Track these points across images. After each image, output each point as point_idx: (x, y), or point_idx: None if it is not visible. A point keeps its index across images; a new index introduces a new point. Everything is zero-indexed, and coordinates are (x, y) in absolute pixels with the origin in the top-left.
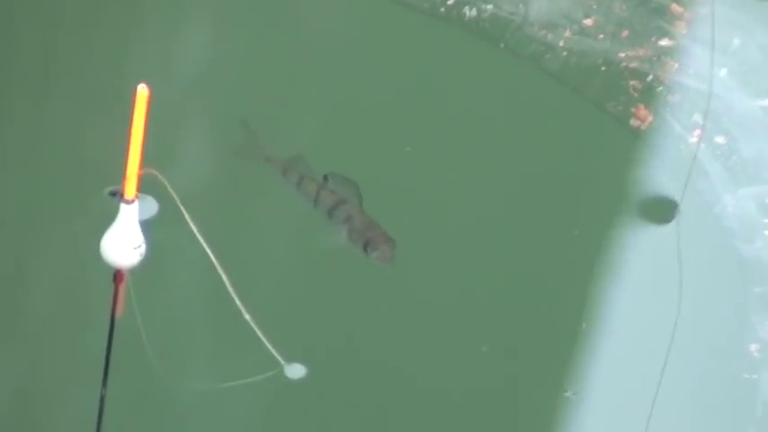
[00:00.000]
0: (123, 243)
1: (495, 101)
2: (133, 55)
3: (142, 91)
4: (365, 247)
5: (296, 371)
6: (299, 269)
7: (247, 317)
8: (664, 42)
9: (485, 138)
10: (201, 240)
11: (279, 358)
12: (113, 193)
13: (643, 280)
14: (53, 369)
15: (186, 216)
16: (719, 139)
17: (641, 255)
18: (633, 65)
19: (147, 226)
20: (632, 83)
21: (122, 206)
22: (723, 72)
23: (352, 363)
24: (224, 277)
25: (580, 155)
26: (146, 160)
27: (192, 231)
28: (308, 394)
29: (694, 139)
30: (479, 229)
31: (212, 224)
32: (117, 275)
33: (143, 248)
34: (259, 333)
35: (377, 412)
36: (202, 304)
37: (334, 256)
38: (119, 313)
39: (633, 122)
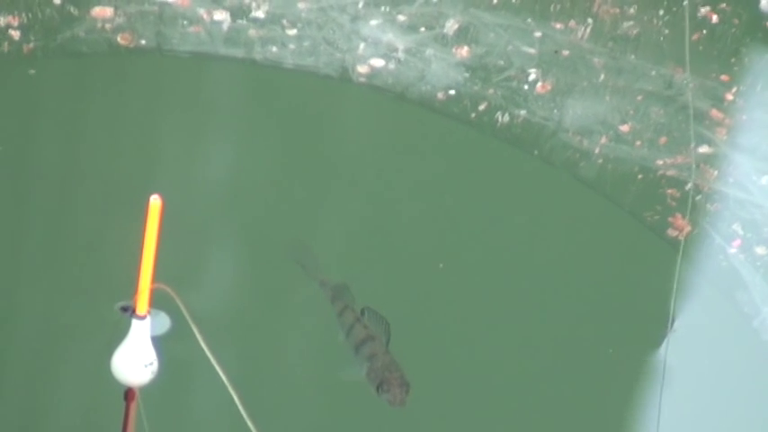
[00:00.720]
0: (135, 360)
1: (528, 210)
2: (155, 170)
3: (155, 202)
4: (378, 387)
5: None
6: (316, 397)
7: None
8: (703, 149)
9: (517, 249)
10: (212, 359)
11: None
12: (125, 309)
13: (682, 398)
14: None
15: (197, 333)
16: (760, 250)
17: (679, 369)
18: (671, 173)
19: (158, 343)
20: (670, 191)
21: (134, 322)
22: (764, 180)
23: None
24: (236, 398)
25: (616, 266)
26: (166, 276)
27: (204, 350)
28: None
29: (734, 250)
30: (509, 345)
31: (230, 344)
32: (128, 394)
33: (155, 366)
34: None
35: None
36: (214, 426)
37: (353, 389)
38: None
39: (670, 232)
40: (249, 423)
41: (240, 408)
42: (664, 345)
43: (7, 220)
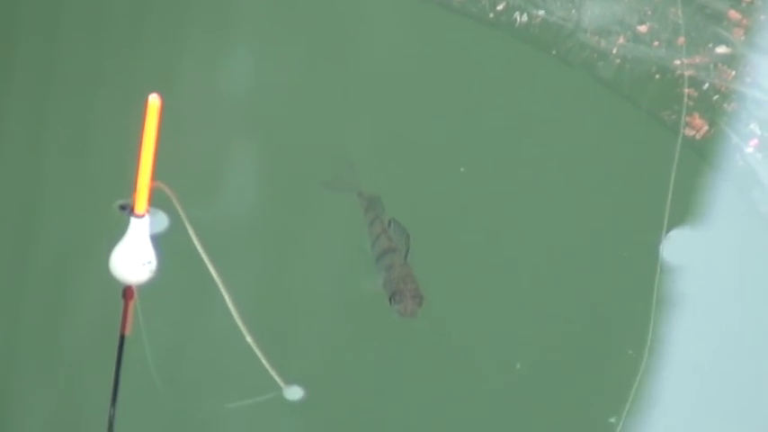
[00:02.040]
0: (133, 258)
1: (545, 110)
2: (175, 70)
3: (153, 101)
4: (391, 298)
5: (294, 393)
6: (324, 306)
7: (249, 339)
8: (721, 50)
9: (536, 149)
10: (204, 257)
11: (278, 380)
12: (123, 207)
13: (698, 300)
14: (61, 387)
15: (191, 232)
16: None
17: (696, 269)
18: (689, 73)
19: (156, 241)
20: (687, 91)
21: (132, 220)
22: None
23: (357, 388)
24: (226, 297)
25: (633, 165)
26: (182, 178)
27: (198, 250)
28: (308, 417)
29: (751, 149)
30: (524, 244)
31: (241, 250)
32: (126, 292)
33: (153, 264)
34: (260, 355)
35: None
36: (208, 323)
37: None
38: (128, 331)
39: (688, 132)
40: (239, 323)
41: (232, 309)
42: (662, 246)
43: (19, 118)
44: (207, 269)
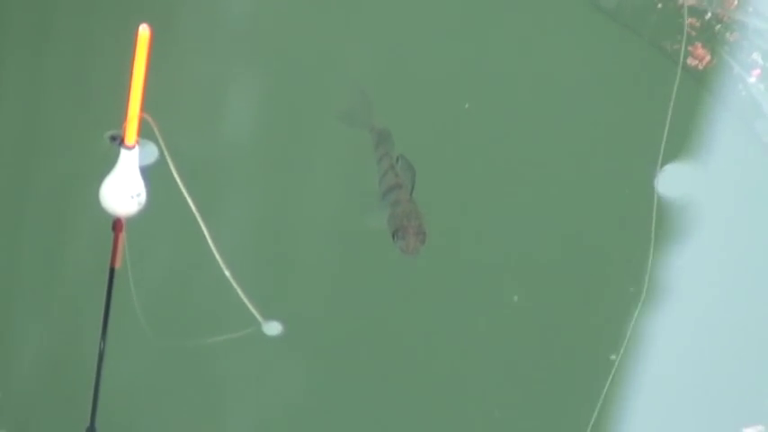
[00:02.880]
0: (123, 191)
1: (547, 40)
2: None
3: (144, 32)
4: (394, 234)
5: (273, 328)
6: (321, 238)
7: (228, 274)
8: None
9: (538, 80)
10: (184, 190)
11: (257, 316)
12: (114, 138)
13: (700, 236)
14: (54, 318)
15: (171, 166)
16: None
17: (698, 201)
18: (690, 2)
19: (145, 173)
20: (689, 21)
21: (122, 151)
22: None
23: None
24: (206, 233)
25: (635, 95)
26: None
27: (178, 185)
28: (289, 351)
29: (753, 80)
30: (523, 178)
31: (243, 183)
32: (116, 224)
33: (143, 197)
34: (239, 291)
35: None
36: (195, 258)
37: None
38: (118, 264)
39: (690, 62)
40: (218, 258)
41: (211, 244)
42: (656, 179)
43: (9, 52)
44: (188, 203)
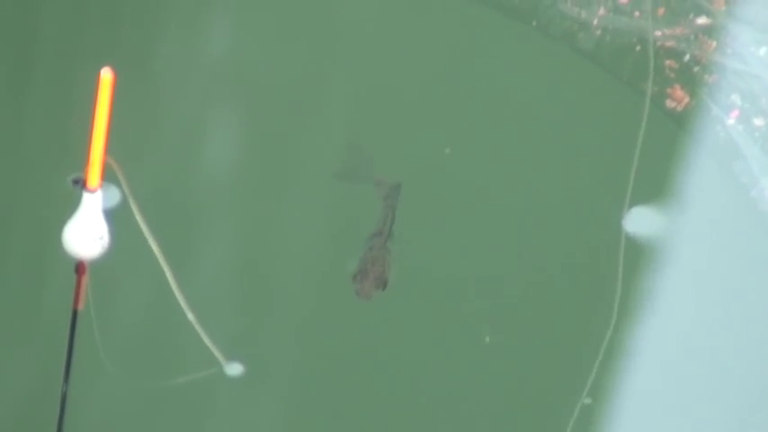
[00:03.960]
0: (86, 233)
1: (525, 82)
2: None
3: (106, 75)
4: (355, 276)
5: (234, 369)
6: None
7: (190, 316)
8: (701, 20)
9: (515, 121)
10: (146, 232)
11: (219, 357)
12: (76, 182)
13: (679, 275)
14: (14, 361)
15: (134, 207)
16: (758, 121)
17: (676, 239)
18: (669, 44)
19: (108, 216)
20: (668, 62)
21: (85, 195)
22: (762, 51)
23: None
24: (168, 273)
25: (614, 137)
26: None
27: (142, 228)
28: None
29: (732, 121)
30: (505, 215)
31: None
32: (79, 266)
33: (106, 239)
34: (201, 332)
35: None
36: (156, 300)
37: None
38: (80, 306)
39: (669, 103)
40: (181, 301)
41: (174, 289)
42: (624, 220)
43: None
44: (150, 245)
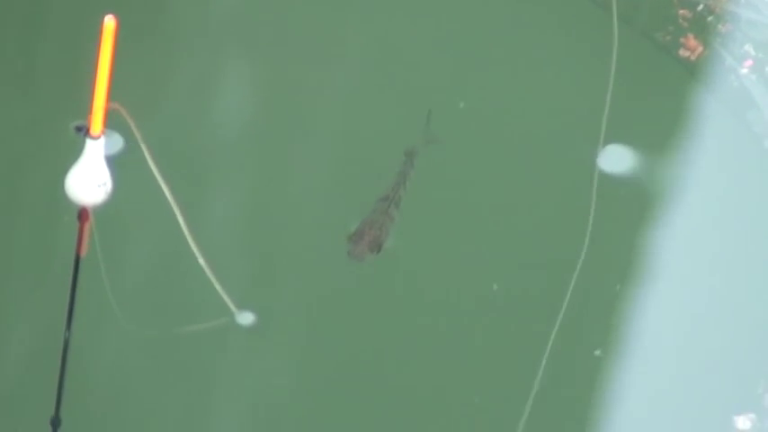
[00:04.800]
0: (88, 180)
1: (539, 32)
2: None
3: (109, 22)
4: (351, 236)
5: (246, 318)
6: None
7: (202, 262)
8: None
9: (527, 72)
10: (158, 176)
11: (231, 306)
12: (79, 128)
13: (691, 225)
14: (14, 307)
15: (146, 153)
16: None
17: (689, 197)
18: None
19: (111, 162)
20: (681, 12)
21: (88, 142)
22: None
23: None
24: (180, 220)
25: (628, 86)
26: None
27: (153, 172)
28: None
29: (745, 70)
30: (512, 171)
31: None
32: (82, 213)
33: (108, 186)
34: (213, 279)
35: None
36: (164, 246)
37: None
38: (83, 252)
39: (682, 53)
40: (193, 246)
41: (186, 234)
42: (598, 159)
43: None
44: (162, 191)
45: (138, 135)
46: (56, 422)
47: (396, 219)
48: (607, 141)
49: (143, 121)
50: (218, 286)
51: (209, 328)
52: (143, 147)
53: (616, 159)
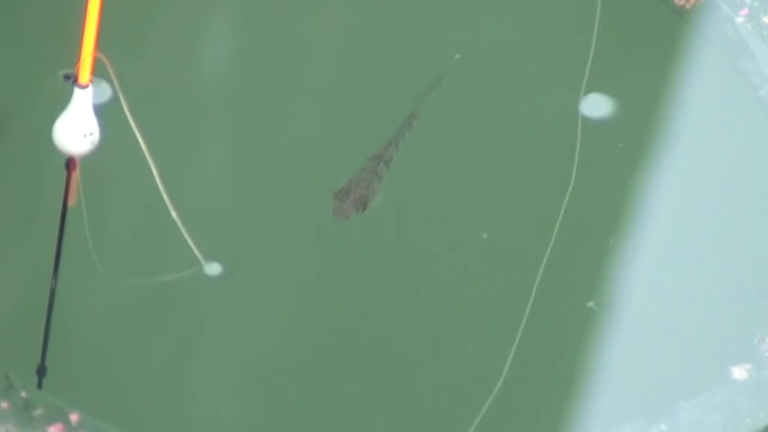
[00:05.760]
0: (76, 129)
1: None
2: None
3: None
4: (337, 193)
5: (213, 269)
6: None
7: (174, 214)
8: None
9: (519, 23)
10: (138, 135)
11: (199, 256)
12: (67, 77)
13: (685, 174)
14: (4, 257)
15: (124, 103)
16: (767, 19)
17: (681, 146)
18: None
19: (99, 112)
20: None
21: (76, 90)
22: None
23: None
24: (155, 172)
25: (619, 33)
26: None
27: (131, 125)
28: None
29: (741, 19)
30: (503, 118)
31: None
32: (69, 163)
33: (96, 136)
34: (183, 231)
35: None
36: (144, 197)
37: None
38: (71, 202)
39: (678, 1)
40: (166, 198)
41: (160, 187)
42: (581, 106)
43: None
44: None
45: (117, 84)
46: (41, 371)
47: (384, 177)
48: (595, 88)
49: (130, 70)
50: (188, 238)
51: (179, 278)
52: (121, 96)
53: (600, 106)
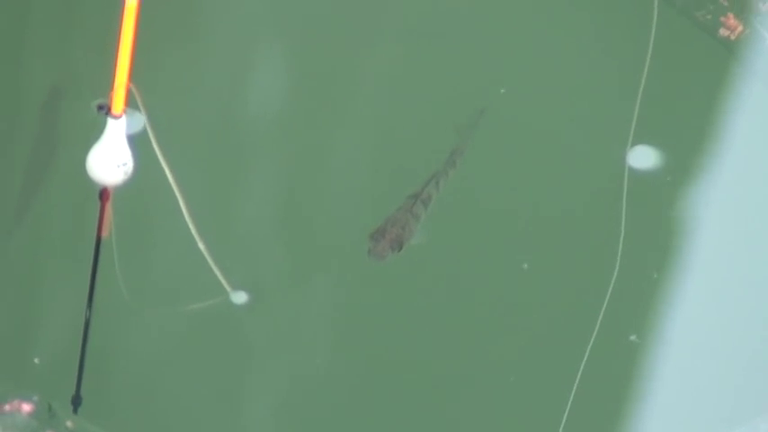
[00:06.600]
0: (109, 160)
1: (575, 11)
2: None
3: (131, 2)
4: (373, 234)
5: (240, 297)
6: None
7: (201, 246)
8: None
9: (569, 51)
10: (162, 161)
11: (225, 285)
12: (101, 107)
13: (728, 204)
14: (36, 289)
15: (151, 135)
16: None
17: (727, 176)
18: None
19: (133, 142)
20: None
21: (109, 121)
22: None
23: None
24: (181, 203)
25: (668, 66)
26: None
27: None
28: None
29: None
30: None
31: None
32: (103, 193)
33: (129, 166)
34: (210, 261)
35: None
36: (175, 226)
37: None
38: (104, 233)
39: (722, 32)
40: (192, 229)
41: (184, 212)
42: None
43: None
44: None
45: (145, 117)
46: (77, 401)
47: (421, 217)
48: (642, 123)
49: (167, 101)
50: (215, 269)
51: (208, 307)
52: (148, 127)
53: (646, 155)
